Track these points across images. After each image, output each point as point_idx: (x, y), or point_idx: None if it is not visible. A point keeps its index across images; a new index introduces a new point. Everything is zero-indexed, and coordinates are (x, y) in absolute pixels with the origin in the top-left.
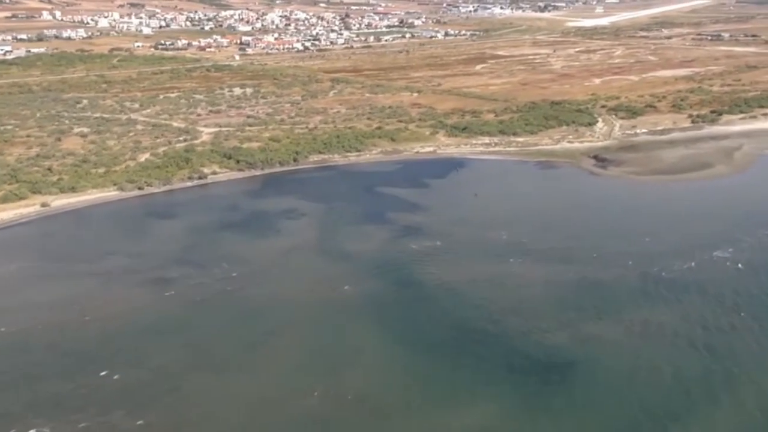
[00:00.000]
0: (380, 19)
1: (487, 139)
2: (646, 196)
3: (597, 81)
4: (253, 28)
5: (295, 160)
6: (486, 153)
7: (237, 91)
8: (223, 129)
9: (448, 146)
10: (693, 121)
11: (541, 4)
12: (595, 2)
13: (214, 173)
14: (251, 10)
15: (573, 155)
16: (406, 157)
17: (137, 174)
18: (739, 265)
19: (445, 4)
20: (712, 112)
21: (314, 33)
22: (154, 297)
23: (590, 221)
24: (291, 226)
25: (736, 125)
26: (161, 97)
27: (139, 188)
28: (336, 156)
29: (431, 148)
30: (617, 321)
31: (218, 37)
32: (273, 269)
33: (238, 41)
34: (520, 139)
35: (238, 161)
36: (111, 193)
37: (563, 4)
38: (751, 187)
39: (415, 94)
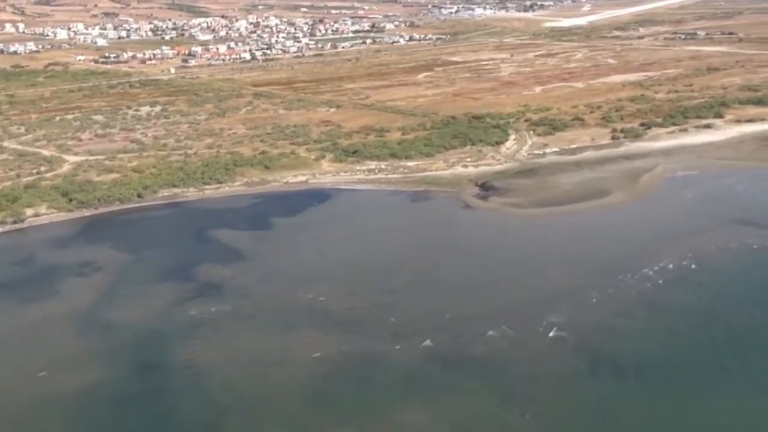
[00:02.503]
0: (352, 24)
1: (373, 164)
2: (509, 235)
3: (538, 89)
4: (215, 37)
5: (139, 196)
6: (363, 182)
7: (144, 110)
8: (92, 158)
9: (325, 174)
10: (614, 137)
11: (527, 3)
12: (584, 0)
13: (36, 215)
14: (226, 17)
15: (459, 182)
16: (270, 189)
17: None
18: (563, 333)
19: (430, 6)
20: (642, 125)
21: (272, 41)
22: None
23: (423, 271)
24: (72, 285)
25: (660, 141)
26: (57, 119)
27: None
28: (191, 189)
29: (305, 177)
30: (359, 424)
31: (165, 48)
32: None
33: (187, 52)
34: (411, 164)
35: (70, 200)
36: None
37: (551, 3)
38: (638, 220)
39: (332, 110)
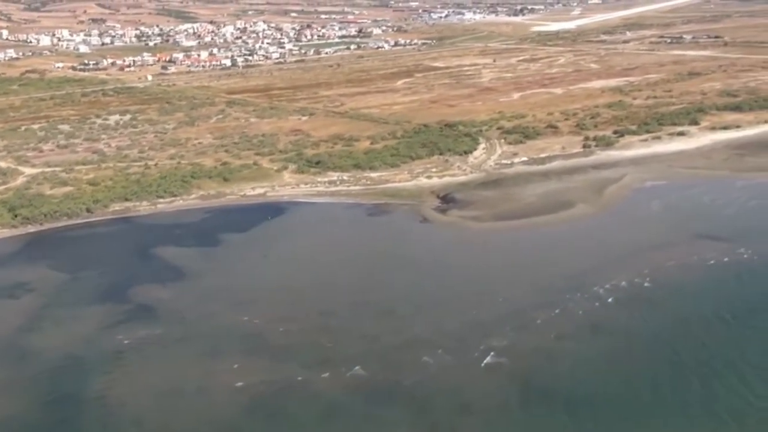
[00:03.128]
0: (339, 29)
1: (335, 176)
2: (462, 252)
3: (516, 96)
4: (199, 43)
5: (89, 210)
6: (323, 194)
7: (113, 118)
8: (48, 170)
9: (285, 186)
10: (585, 146)
11: (518, 8)
12: (575, 4)
13: None
14: (215, 23)
15: (420, 194)
16: (225, 203)
17: None
18: (501, 359)
19: (420, 11)
20: (615, 132)
21: (255, 47)
22: None
23: (366, 291)
24: None
25: (632, 149)
26: (23, 129)
27: None
28: (144, 203)
29: (263, 190)
30: None
31: (146, 55)
32: None
33: (167, 59)
34: (374, 175)
35: (16, 215)
36: None
37: (541, 7)
38: (598, 234)
39: (305, 118)
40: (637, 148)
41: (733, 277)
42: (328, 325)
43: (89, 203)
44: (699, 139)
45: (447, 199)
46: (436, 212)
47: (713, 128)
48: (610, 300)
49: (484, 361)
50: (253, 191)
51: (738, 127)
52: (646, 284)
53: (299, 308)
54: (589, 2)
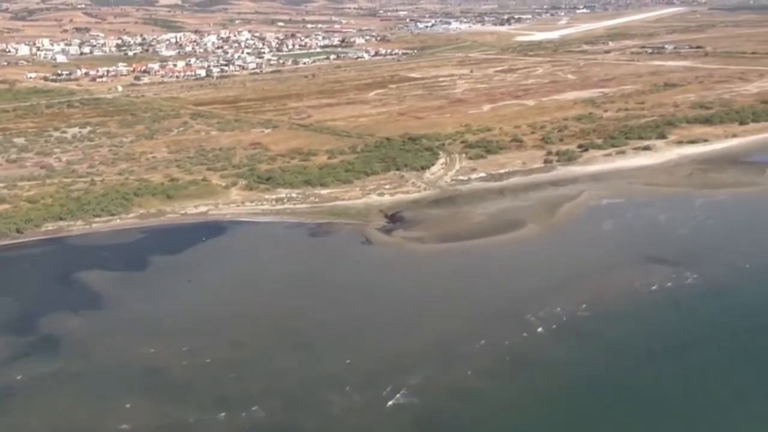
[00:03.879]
0: (322, 39)
1: (284, 193)
2: (397, 277)
3: (487, 107)
4: (179, 52)
5: (19, 231)
6: (267, 213)
7: (71, 131)
8: None
9: (230, 204)
10: (546, 161)
11: (505, 17)
12: (563, 13)
13: None
14: (199, 32)
15: (368, 213)
16: (164, 222)
17: None
18: (412, 399)
19: (408, 20)
20: (579, 146)
21: (233, 57)
22: None
23: (286, 321)
24: None
25: (594, 164)
26: None
27: None
28: (78, 223)
29: (206, 208)
30: None
31: (121, 65)
32: None
33: (142, 69)
34: (323, 192)
35: None
36: None
37: (529, 17)
38: (543, 257)
39: (267, 131)
40: (599, 163)
41: (671, 306)
42: (236, 359)
43: (20, 223)
44: (664, 153)
45: (395, 218)
46: (380, 233)
47: (680, 142)
48: (540, 330)
49: (392, 401)
50: (195, 209)
51: (705, 141)
52: (580, 312)
53: (211, 339)
54: (577, 12)
